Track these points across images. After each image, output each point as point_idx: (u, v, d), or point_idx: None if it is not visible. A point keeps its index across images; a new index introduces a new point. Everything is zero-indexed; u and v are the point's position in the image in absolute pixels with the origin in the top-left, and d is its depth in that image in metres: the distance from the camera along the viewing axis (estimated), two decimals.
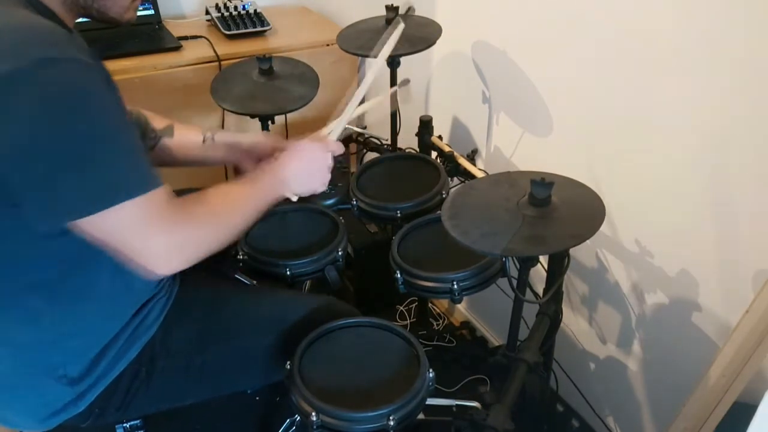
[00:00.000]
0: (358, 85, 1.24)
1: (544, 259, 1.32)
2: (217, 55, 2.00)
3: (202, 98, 1.69)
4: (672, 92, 1.20)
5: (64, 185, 0.81)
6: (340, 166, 1.54)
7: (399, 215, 1.44)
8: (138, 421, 1.19)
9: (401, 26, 1.34)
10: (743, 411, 1.07)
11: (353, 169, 1.84)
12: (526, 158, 1.64)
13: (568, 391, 1.68)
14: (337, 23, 2.28)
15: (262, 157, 1.30)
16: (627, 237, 1.40)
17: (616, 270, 1.47)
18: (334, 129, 1.23)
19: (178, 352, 1.12)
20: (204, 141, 1.28)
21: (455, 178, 1.65)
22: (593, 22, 1.32)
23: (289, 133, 1.93)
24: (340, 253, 1.37)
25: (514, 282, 1.19)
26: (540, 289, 1.37)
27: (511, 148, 1.68)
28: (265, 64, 1.60)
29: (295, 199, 1.17)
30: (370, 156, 1.83)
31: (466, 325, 2.10)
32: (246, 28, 2.15)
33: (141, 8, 2.14)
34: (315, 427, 1.01)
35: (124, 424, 1.19)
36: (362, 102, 1.27)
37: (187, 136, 1.27)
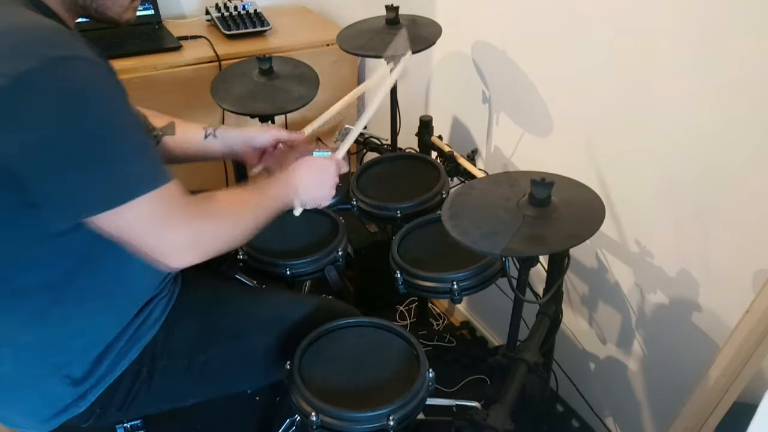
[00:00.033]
0: (358, 113, 1.27)
1: (544, 259, 1.32)
2: (217, 55, 2.01)
3: (202, 98, 1.69)
4: (672, 92, 1.20)
5: (78, 182, 0.82)
6: None
7: (399, 215, 1.44)
8: (138, 421, 1.19)
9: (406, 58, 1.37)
10: (743, 411, 1.07)
11: (353, 169, 1.84)
12: (526, 158, 1.64)
13: (568, 391, 1.68)
14: (337, 23, 2.28)
15: (265, 150, 1.31)
16: (627, 237, 1.40)
17: (616, 270, 1.47)
18: (341, 147, 1.26)
19: (179, 352, 1.12)
20: (206, 137, 1.28)
21: (455, 178, 1.65)
22: (593, 21, 1.32)
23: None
24: (340, 253, 1.37)
25: (514, 282, 1.19)
26: (540, 289, 1.37)
27: (511, 148, 1.68)
28: (265, 64, 1.60)
29: (299, 211, 1.19)
30: (370, 156, 1.83)
31: (466, 325, 2.10)
32: (246, 28, 2.15)
33: (141, 8, 2.14)
34: (315, 427, 1.01)
35: (125, 424, 1.19)
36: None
37: (187, 133, 1.28)
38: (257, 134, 1.31)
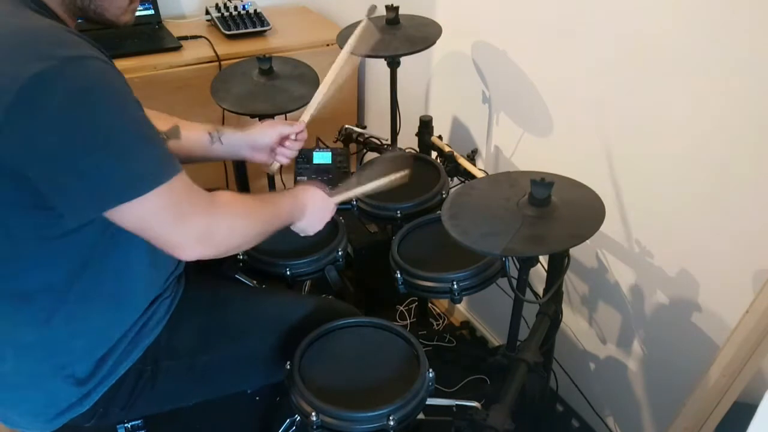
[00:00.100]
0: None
1: (544, 259, 1.32)
2: (217, 55, 2.01)
3: (202, 98, 1.69)
4: (672, 92, 1.20)
5: (97, 177, 0.83)
6: (340, 166, 1.54)
7: (399, 215, 1.44)
8: (139, 421, 1.19)
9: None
10: (743, 411, 1.07)
11: (353, 169, 1.84)
12: (526, 158, 1.64)
13: (568, 391, 1.68)
14: (337, 23, 2.28)
15: (273, 148, 1.32)
16: (627, 237, 1.40)
17: (616, 270, 1.47)
18: (342, 196, 1.29)
19: (182, 352, 1.12)
20: (212, 142, 1.28)
21: (455, 178, 1.65)
22: (593, 22, 1.32)
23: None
24: (340, 253, 1.37)
25: (514, 282, 1.19)
26: (540, 289, 1.37)
27: (511, 148, 1.68)
28: (265, 64, 1.60)
29: (296, 231, 1.22)
30: (370, 156, 1.83)
31: (466, 325, 2.10)
32: (246, 28, 2.15)
33: (141, 8, 2.14)
34: (315, 427, 1.01)
35: (125, 425, 1.19)
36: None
37: (192, 138, 1.27)
38: (260, 135, 1.31)
